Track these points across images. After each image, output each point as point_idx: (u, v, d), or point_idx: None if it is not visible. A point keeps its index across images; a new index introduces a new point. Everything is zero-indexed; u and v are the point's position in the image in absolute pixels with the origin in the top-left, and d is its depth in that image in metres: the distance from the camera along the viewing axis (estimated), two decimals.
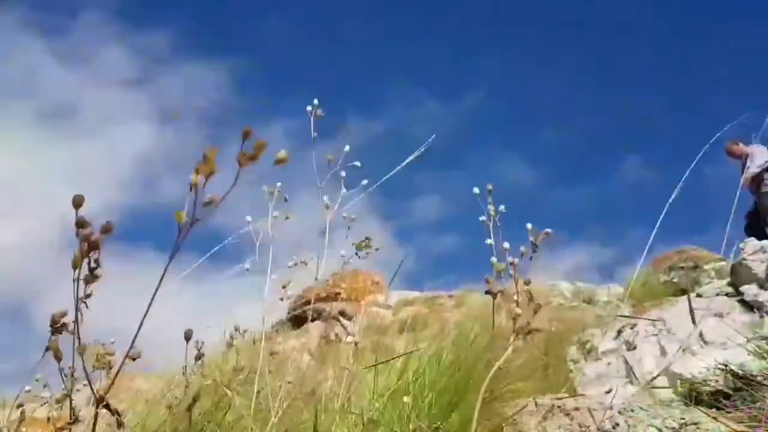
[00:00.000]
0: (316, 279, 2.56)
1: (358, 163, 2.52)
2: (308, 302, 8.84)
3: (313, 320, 8.86)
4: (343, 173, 2.52)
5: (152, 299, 1.05)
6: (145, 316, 1.08)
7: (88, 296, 1.02)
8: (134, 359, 2.06)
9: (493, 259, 1.60)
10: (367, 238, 2.60)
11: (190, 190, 0.99)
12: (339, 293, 9.13)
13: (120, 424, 1.10)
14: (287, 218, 2.49)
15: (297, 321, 8.35)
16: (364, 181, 2.59)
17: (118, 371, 1.16)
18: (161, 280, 1.03)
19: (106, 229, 1.03)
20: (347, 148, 2.50)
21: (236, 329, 2.64)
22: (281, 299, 2.56)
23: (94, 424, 1.02)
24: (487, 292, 1.52)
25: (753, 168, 7.91)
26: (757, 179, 8.16)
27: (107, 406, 1.02)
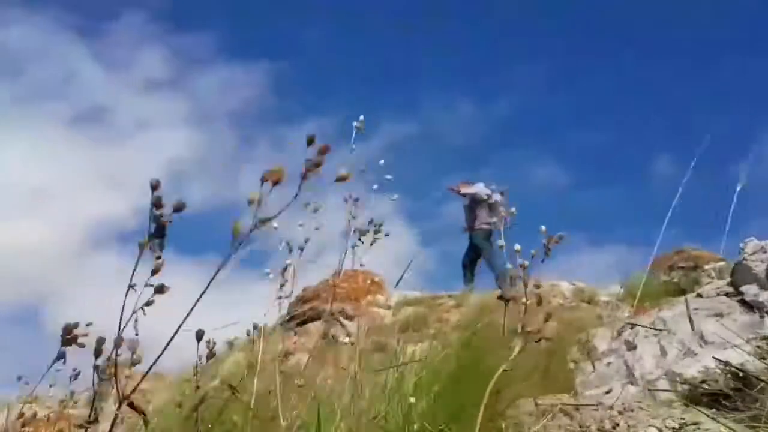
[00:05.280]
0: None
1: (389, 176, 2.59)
2: (308, 302, 8.84)
3: (313, 320, 8.86)
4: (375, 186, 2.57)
5: (191, 309, 1.04)
6: (180, 324, 1.07)
7: (149, 303, 1.01)
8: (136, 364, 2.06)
9: (509, 266, 1.60)
10: (371, 222, 2.60)
11: (251, 204, 0.98)
12: (339, 293, 9.13)
13: (146, 423, 1.10)
14: (317, 229, 2.51)
15: (297, 321, 8.35)
16: (395, 196, 2.64)
17: (146, 372, 1.16)
18: (206, 288, 1.02)
19: (178, 208, 1.01)
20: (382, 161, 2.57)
21: (255, 327, 2.63)
22: (279, 298, 2.58)
23: (113, 423, 1.02)
24: (499, 298, 1.53)
25: (468, 188, 9.38)
26: (472, 215, 9.41)
27: (132, 405, 1.02)
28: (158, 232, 1.00)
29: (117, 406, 1.07)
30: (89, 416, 1.18)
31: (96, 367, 1.12)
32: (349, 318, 8.82)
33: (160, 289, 1.01)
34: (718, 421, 2.57)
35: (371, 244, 2.63)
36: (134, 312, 1.03)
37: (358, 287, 9.41)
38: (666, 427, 2.71)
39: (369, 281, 9.61)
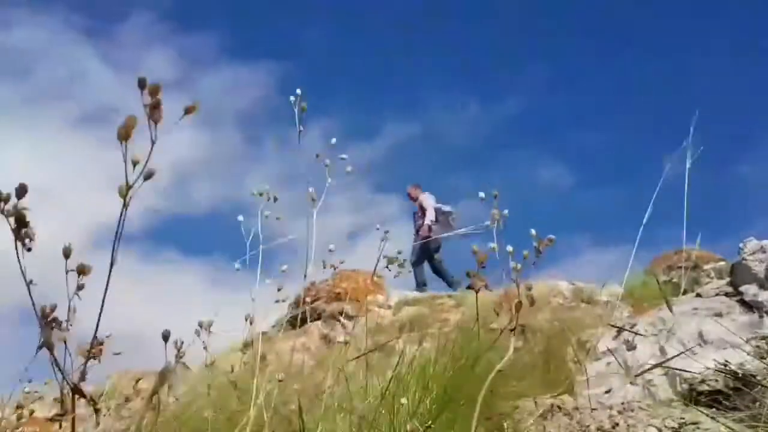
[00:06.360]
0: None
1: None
2: (308, 302, 8.84)
3: (313, 320, 8.86)
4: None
5: (104, 296, 1.06)
6: (101, 312, 1.08)
7: (80, 288, 1.02)
8: (116, 354, 2.07)
9: (474, 247, 1.60)
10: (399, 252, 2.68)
11: (133, 167, 1.00)
12: (339, 293, 9.14)
13: (96, 411, 1.10)
14: (278, 218, 2.54)
15: (297, 321, 8.35)
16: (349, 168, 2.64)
17: (86, 360, 1.16)
18: (110, 268, 1.04)
19: (21, 192, 1.02)
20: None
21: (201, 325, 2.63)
22: (276, 301, 2.59)
23: (73, 408, 1.02)
24: (468, 287, 1.53)
25: (427, 220, 10.14)
26: (422, 224, 10.27)
27: (81, 393, 1.02)
28: (19, 224, 1.01)
29: (69, 395, 1.07)
30: (60, 410, 1.18)
31: (54, 360, 1.12)
32: (350, 318, 8.82)
33: (82, 270, 1.03)
34: (718, 421, 2.58)
35: (395, 277, 2.72)
36: (70, 300, 1.05)
37: (358, 287, 9.41)
38: (665, 426, 2.71)
39: (369, 281, 9.62)
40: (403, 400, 2.35)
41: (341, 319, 8.78)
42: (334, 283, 9.30)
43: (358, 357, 2.71)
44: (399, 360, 2.58)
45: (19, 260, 1.03)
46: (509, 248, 1.62)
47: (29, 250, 1.03)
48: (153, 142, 0.99)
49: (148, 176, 1.02)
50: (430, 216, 10.31)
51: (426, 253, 10.51)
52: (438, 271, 10.57)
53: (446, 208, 10.53)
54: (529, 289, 1.53)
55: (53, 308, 1.07)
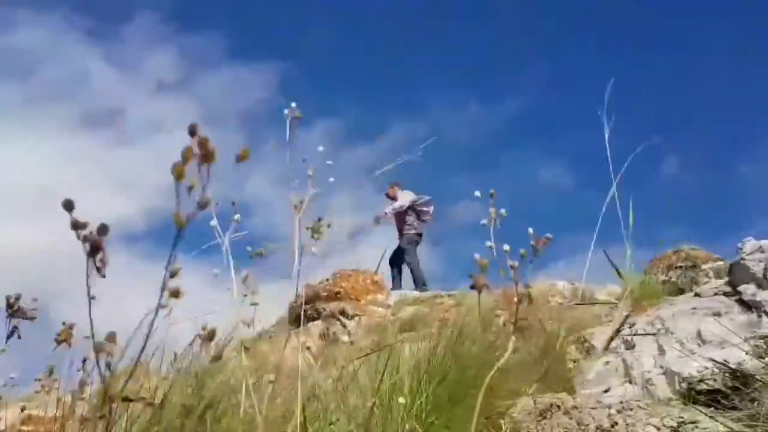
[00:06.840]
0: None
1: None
2: (308, 301, 8.85)
3: (313, 320, 8.87)
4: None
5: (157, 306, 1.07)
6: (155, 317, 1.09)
7: (162, 307, 1.03)
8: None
9: (477, 256, 1.62)
10: (319, 219, 2.61)
11: (188, 192, 1.01)
12: (339, 292, 9.15)
13: (150, 404, 1.11)
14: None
15: (297, 320, 8.36)
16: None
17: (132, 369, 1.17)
18: (164, 281, 1.05)
19: (102, 230, 1.04)
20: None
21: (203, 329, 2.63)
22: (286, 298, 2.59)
23: (110, 419, 1.03)
24: (471, 287, 1.55)
25: (388, 207, 10.23)
26: (401, 220, 10.36)
27: (129, 400, 1.04)
28: (93, 251, 1.02)
29: (111, 404, 1.08)
30: (100, 411, 1.19)
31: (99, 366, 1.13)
32: (350, 317, 8.84)
33: (176, 294, 1.04)
34: (716, 420, 2.59)
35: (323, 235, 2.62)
36: (154, 319, 1.06)
37: (358, 286, 9.43)
38: (664, 425, 2.72)
39: (369, 281, 9.63)
40: (401, 400, 2.35)
41: (341, 318, 8.79)
42: (333, 282, 9.32)
43: (358, 358, 2.72)
44: (398, 359, 2.59)
45: (87, 285, 1.04)
46: (506, 247, 1.63)
47: (104, 276, 1.05)
48: (204, 185, 1.01)
49: (204, 206, 1.04)
50: (395, 204, 10.28)
51: (416, 247, 10.49)
52: (401, 264, 10.52)
53: (424, 203, 10.48)
54: (528, 287, 1.54)
55: (18, 297, 1.08)
